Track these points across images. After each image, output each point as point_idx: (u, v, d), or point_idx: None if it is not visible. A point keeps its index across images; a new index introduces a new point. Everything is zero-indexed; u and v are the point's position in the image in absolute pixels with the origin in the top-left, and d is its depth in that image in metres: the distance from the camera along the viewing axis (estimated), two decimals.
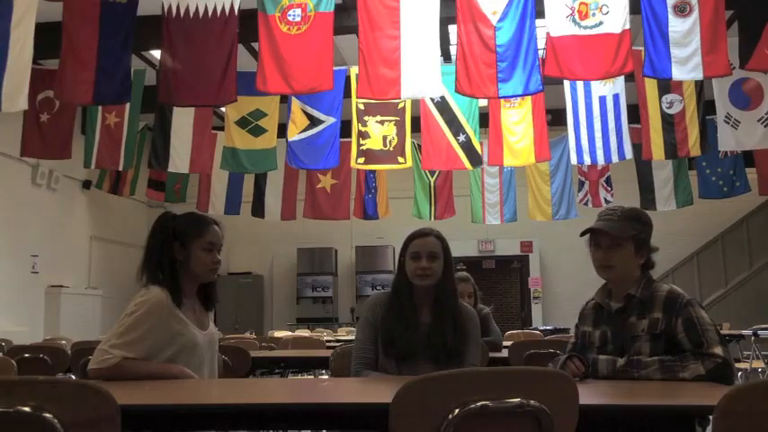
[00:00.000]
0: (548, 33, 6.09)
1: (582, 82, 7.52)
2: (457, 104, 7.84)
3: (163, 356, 2.44)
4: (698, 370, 2.15)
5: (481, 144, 8.17)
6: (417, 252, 2.64)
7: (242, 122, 8.16)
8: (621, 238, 2.38)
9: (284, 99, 8.04)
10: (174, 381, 2.42)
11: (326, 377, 4.67)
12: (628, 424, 1.77)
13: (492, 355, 4.03)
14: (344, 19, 7.14)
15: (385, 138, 7.98)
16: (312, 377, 5.27)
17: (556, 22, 6.06)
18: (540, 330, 8.78)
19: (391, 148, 7.98)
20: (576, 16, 6.02)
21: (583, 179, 10.00)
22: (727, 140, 7.64)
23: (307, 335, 8.49)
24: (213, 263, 2.57)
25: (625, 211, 2.50)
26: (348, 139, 8.20)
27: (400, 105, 7.91)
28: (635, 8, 6.06)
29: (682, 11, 5.99)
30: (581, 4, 6.03)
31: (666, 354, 2.23)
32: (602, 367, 2.27)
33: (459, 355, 2.54)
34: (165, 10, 6.16)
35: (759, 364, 6.33)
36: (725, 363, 2.16)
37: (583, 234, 2.49)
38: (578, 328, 2.54)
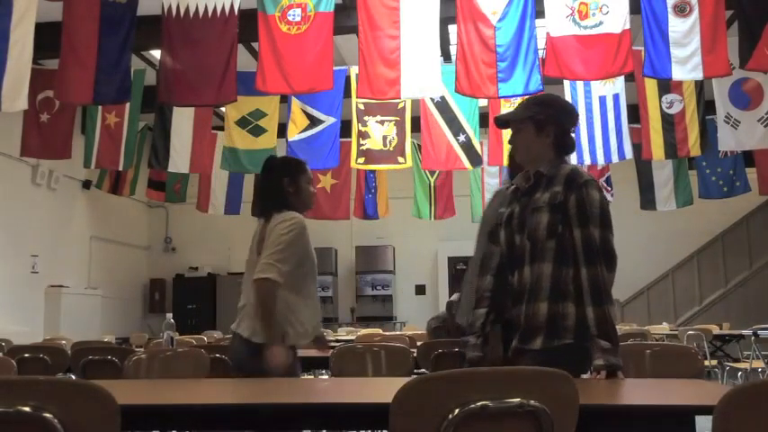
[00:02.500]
0: (548, 33, 6.10)
1: (582, 82, 7.52)
2: (457, 104, 7.84)
3: (302, 270, 2.91)
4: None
5: (481, 144, 8.16)
6: None
7: (242, 122, 8.16)
8: (517, 120, 2.49)
9: (284, 99, 8.04)
10: (171, 380, 2.43)
11: (326, 377, 4.67)
12: (628, 424, 1.78)
13: None
14: (344, 19, 7.14)
15: (385, 138, 7.98)
16: (312, 377, 5.27)
17: (556, 22, 6.06)
18: None
19: (391, 148, 7.98)
20: (576, 16, 6.02)
21: None
22: (727, 140, 7.65)
23: None
24: (314, 194, 3.20)
25: (530, 98, 2.72)
26: (348, 139, 8.20)
27: (400, 105, 7.91)
28: (635, 8, 6.06)
29: (682, 11, 6.00)
30: (581, 4, 6.03)
31: (560, 224, 2.30)
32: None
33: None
34: (165, 10, 6.16)
35: (759, 364, 6.34)
36: (601, 249, 2.23)
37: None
38: (496, 212, 2.60)
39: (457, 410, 1.47)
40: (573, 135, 2.51)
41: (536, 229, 2.33)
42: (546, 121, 2.43)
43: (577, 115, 2.56)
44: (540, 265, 2.30)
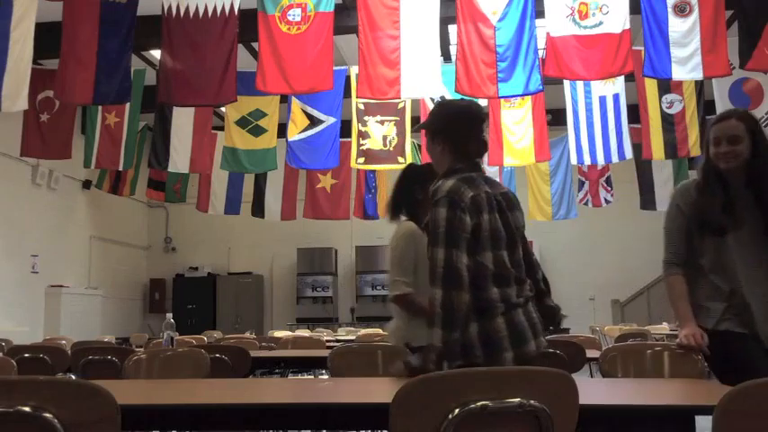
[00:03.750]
0: (548, 33, 6.10)
1: (582, 82, 7.52)
2: None
3: (418, 276, 2.93)
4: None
5: None
6: (717, 137, 2.63)
7: (242, 122, 8.16)
8: (423, 129, 2.46)
9: (284, 99, 8.04)
10: (171, 380, 2.43)
11: (326, 377, 4.67)
12: (628, 424, 1.78)
13: None
14: (344, 19, 7.14)
15: (385, 138, 7.98)
16: (312, 377, 5.26)
17: (556, 22, 6.06)
18: None
19: (391, 148, 7.98)
20: (576, 16, 6.02)
21: (583, 179, 10.00)
22: None
23: (307, 335, 8.48)
24: None
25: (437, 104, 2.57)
26: (348, 139, 8.20)
27: (400, 105, 7.91)
28: (635, 8, 6.06)
29: (682, 11, 6.00)
30: (581, 4, 6.03)
31: None
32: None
33: None
34: (165, 10, 6.16)
35: None
36: (441, 270, 2.13)
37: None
38: None
39: (457, 410, 1.47)
40: (484, 137, 2.38)
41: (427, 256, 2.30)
42: (435, 130, 2.38)
43: (479, 118, 2.38)
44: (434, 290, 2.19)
